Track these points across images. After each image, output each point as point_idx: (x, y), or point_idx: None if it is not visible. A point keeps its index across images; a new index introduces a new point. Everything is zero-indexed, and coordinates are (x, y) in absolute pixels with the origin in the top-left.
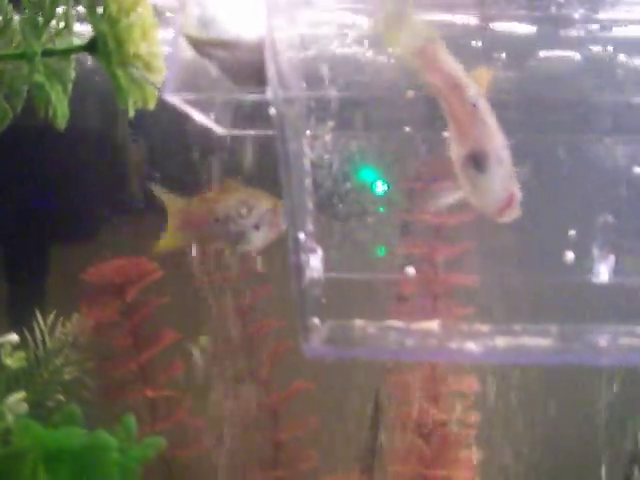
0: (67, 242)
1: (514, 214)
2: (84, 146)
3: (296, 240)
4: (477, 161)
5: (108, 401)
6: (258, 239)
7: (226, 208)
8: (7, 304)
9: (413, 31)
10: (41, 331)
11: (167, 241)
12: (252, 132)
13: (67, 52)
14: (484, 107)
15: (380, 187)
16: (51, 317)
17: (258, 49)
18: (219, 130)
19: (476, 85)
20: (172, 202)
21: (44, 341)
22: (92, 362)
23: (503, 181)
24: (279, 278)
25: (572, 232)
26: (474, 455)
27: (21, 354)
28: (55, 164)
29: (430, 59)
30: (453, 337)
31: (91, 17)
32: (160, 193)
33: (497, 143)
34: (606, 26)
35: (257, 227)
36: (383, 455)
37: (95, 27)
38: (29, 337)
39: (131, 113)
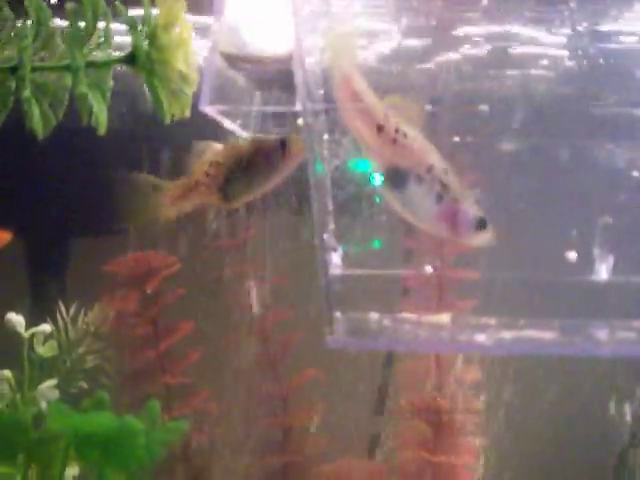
0: (89, 235)
1: (475, 235)
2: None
3: (322, 240)
4: (391, 179)
5: (128, 388)
6: None
7: None
8: (31, 296)
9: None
10: (64, 321)
11: None
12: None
13: (107, 64)
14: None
15: None
16: (74, 308)
17: (287, 62)
18: (244, 135)
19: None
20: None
21: (67, 331)
22: (112, 350)
23: (432, 199)
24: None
25: (574, 233)
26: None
27: (53, 343)
28: (76, 159)
29: (346, 81)
30: (463, 330)
31: (132, 32)
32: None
33: (417, 162)
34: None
35: None
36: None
37: (135, 42)
38: (53, 327)
39: (167, 121)
